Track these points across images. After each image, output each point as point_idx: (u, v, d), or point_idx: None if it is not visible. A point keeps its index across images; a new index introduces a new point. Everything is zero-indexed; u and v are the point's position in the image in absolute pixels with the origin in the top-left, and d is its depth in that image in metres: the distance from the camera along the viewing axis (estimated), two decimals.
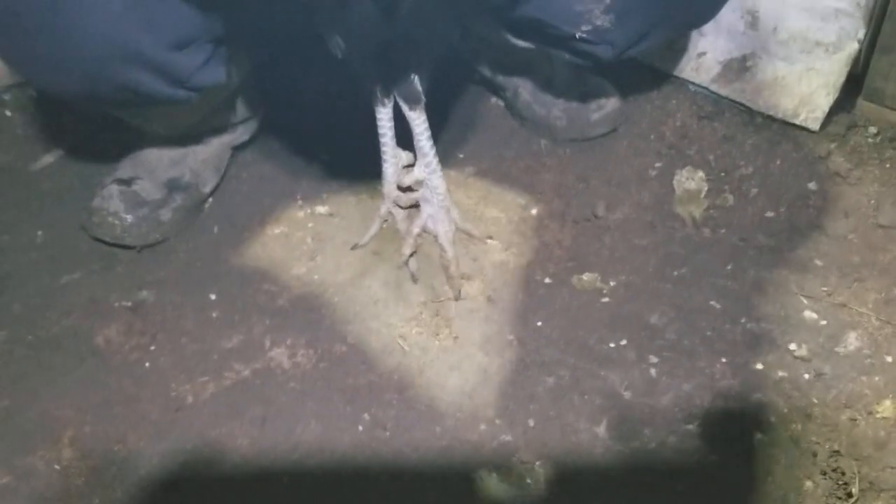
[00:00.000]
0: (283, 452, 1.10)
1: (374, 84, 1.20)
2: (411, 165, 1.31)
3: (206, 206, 1.46)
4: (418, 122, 1.21)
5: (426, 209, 1.30)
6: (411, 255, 1.28)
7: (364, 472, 1.07)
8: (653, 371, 1.18)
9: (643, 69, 1.64)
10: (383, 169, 1.31)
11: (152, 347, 1.23)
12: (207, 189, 1.47)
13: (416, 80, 1.17)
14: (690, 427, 1.11)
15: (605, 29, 1.23)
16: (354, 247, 1.31)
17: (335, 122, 1.57)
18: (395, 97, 1.22)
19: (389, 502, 1.04)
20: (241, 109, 1.48)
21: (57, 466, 1.09)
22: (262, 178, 1.50)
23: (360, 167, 1.46)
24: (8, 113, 1.73)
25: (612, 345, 1.22)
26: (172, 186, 1.42)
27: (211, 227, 1.43)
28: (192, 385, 1.18)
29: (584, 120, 1.53)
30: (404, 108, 1.21)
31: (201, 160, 1.46)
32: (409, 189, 1.32)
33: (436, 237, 1.30)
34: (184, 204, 1.42)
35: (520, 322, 1.25)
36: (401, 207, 1.33)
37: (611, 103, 1.54)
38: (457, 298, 1.22)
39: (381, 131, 1.26)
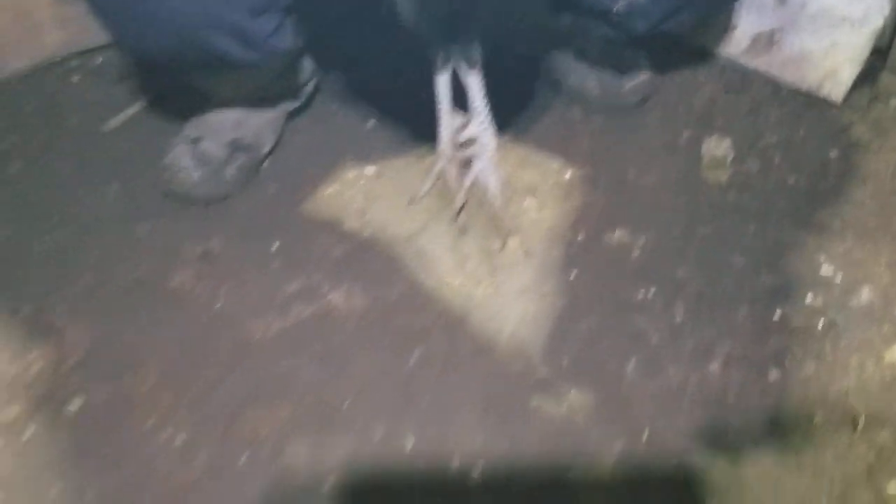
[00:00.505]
0: (341, 385, 1.22)
1: (438, 49, 1.30)
2: (462, 127, 1.41)
3: (264, 165, 1.58)
4: (475, 83, 1.31)
5: (478, 164, 1.40)
6: (461, 208, 1.38)
7: (414, 402, 1.18)
8: (678, 318, 1.29)
9: (674, 42, 1.73)
10: (440, 130, 1.41)
11: (221, 291, 1.35)
12: (265, 150, 1.58)
13: (477, 44, 1.27)
14: (711, 367, 1.21)
15: (641, 3, 1.32)
16: (411, 201, 1.41)
17: (382, 89, 1.68)
18: (454, 61, 1.33)
19: (440, 427, 1.16)
20: (297, 77, 1.59)
21: (140, 390, 1.21)
22: (315, 140, 1.61)
23: (405, 131, 1.57)
24: (75, 79, 1.86)
25: (640, 295, 1.33)
26: (235, 147, 1.53)
27: (269, 185, 1.55)
28: (259, 324, 1.30)
29: (617, 90, 1.63)
30: (463, 70, 1.31)
31: (261, 123, 1.57)
32: (460, 148, 1.43)
33: (485, 190, 1.40)
34: (245, 163, 1.54)
35: (555, 274, 1.36)
36: (453, 165, 1.43)
37: (642, 74, 1.64)
38: (502, 248, 1.33)
39: (439, 95, 1.36)
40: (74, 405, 1.19)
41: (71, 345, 1.27)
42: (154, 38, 1.21)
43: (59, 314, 1.31)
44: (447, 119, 1.40)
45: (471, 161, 1.41)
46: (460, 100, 1.41)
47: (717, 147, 1.59)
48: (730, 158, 1.56)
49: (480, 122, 1.38)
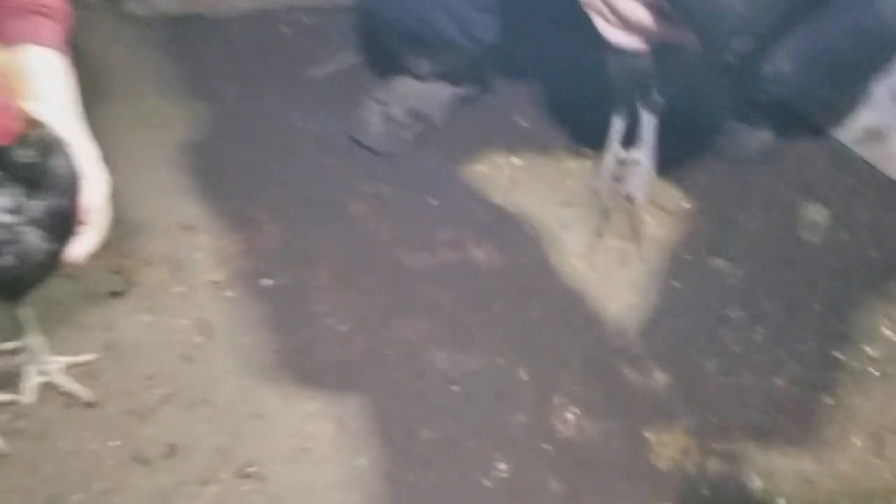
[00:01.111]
0: (473, 318, 1.49)
1: (629, 101, 1.55)
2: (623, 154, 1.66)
3: (434, 136, 1.88)
4: (650, 121, 1.56)
5: (634, 181, 1.64)
6: (606, 212, 1.63)
7: (530, 346, 1.45)
8: (757, 337, 1.54)
9: (796, 116, 1.99)
10: (606, 157, 1.63)
11: (386, 226, 1.65)
12: (437, 123, 1.88)
13: (662, 98, 1.54)
14: (777, 381, 1.46)
15: (786, 72, 1.58)
16: (597, 233, 1.63)
17: (544, 94, 1.96)
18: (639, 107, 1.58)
19: (548, 370, 1.42)
20: (479, 70, 1.88)
21: (316, 283, 1.51)
22: (477, 124, 1.90)
23: (553, 134, 1.85)
24: (284, 29, 2.19)
25: (729, 313, 1.58)
26: (415, 115, 1.83)
27: (434, 151, 1.85)
28: (412, 257, 1.59)
29: (742, 146, 1.90)
30: (645, 112, 1.56)
31: (439, 101, 1.87)
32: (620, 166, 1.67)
33: (633, 202, 1.64)
34: (419, 130, 1.84)
35: (661, 280, 1.62)
36: (609, 181, 1.66)
37: (766, 136, 1.90)
38: (638, 253, 1.58)
39: (614, 129, 1.59)
40: (265, 282, 1.49)
41: (266, 236, 1.58)
42: (393, 7, 1.52)
43: (259, 210, 1.62)
44: (615, 147, 1.63)
45: (624, 177, 1.66)
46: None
47: (816, 213, 1.84)
48: (825, 224, 1.81)
49: (647, 150, 1.62)
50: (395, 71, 1.88)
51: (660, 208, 1.72)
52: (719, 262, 1.69)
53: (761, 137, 1.91)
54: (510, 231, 1.67)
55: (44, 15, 1.15)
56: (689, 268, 1.66)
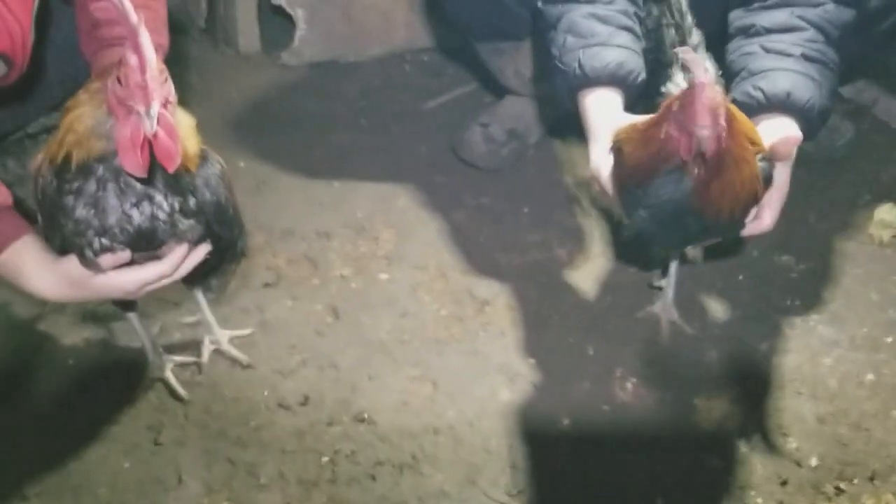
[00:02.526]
0: (554, 305, 1.77)
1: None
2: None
3: (529, 153, 2.17)
4: (674, 269, 1.70)
5: (659, 305, 1.72)
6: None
7: (601, 329, 1.71)
8: (811, 322, 1.71)
9: (880, 124, 2.13)
10: (670, 293, 1.72)
11: (484, 230, 1.96)
12: (531, 141, 2.18)
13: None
14: (827, 360, 1.64)
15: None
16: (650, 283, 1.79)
17: None
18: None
19: (616, 347, 1.67)
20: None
21: (422, 278, 1.83)
22: (568, 143, 2.17)
23: None
24: (407, 68, 2.56)
25: (788, 302, 1.77)
26: (511, 134, 2.14)
27: (529, 167, 2.14)
28: (505, 256, 1.89)
29: (831, 145, 2.07)
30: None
31: (532, 120, 2.17)
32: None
33: (658, 317, 1.72)
34: (516, 147, 2.14)
35: (729, 274, 1.83)
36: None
37: (849, 134, 2.08)
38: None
39: (670, 279, 1.72)
40: (382, 276, 1.83)
41: (384, 241, 1.93)
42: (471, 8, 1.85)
43: (378, 220, 1.97)
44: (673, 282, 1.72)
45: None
46: None
47: (889, 213, 1.97)
48: (894, 223, 1.94)
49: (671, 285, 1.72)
50: (495, 98, 2.20)
51: None
52: (784, 259, 1.87)
53: (845, 135, 2.08)
54: (591, 234, 1.93)
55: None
56: (755, 263, 1.86)
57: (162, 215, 1.21)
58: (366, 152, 2.19)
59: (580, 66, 1.52)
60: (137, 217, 1.19)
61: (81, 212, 1.18)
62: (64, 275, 1.25)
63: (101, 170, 1.16)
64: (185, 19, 2.61)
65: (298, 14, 2.44)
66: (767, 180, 1.40)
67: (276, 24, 2.55)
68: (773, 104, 1.44)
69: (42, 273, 1.26)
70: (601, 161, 1.48)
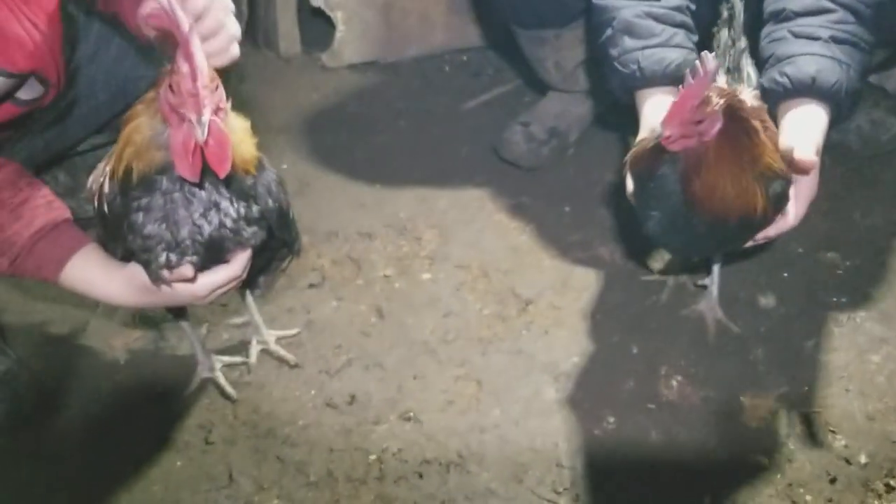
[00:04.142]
0: (597, 303, 1.77)
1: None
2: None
3: (570, 151, 2.17)
4: (717, 268, 1.71)
5: (704, 304, 1.72)
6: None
7: (646, 327, 1.71)
8: (858, 320, 1.70)
9: None
10: (714, 290, 1.72)
11: (527, 228, 1.96)
12: (572, 139, 2.18)
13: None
14: (874, 357, 1.62)
15: None
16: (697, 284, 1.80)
17: None
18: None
19: (660, 345, 1.67)
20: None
21: (465, 277, 1.85)
22: (608, 141, 2.17)
23: None
24: (447, 68, 2.57)
25: (834, 299, 1.75)
26: (552, 133, 2.14)
27: (569, 166, 2.14)
28: (547, 254, 1.89)
29: (876, 140, 2.04)
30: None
31: (573, 118, 2.17)
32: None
33: (703, 315, 1.72)
34: (557, 146, 2.14)
35: (775, 271, 1.81)
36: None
37: (894, 129, 2.04)
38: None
39: (713, 276, 1.71)
40: (425, 276, 1.85)
41: (426, 241, 1.94)
42: None
43: (420, 222, 1.99)
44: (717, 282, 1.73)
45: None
46: None
47: None
48: None
49: (715, 284, 1.72)
50: (536, 96, 2.20)
51: None
52: (831, 255, 1.85)
53: (891, 129, 2.05)
54: (633, 233, 1.93)
55: None
56: (800, 260, 1.84)
57: (229, 222, 1.23)
58: (406, 153, 2.21)
59: (640, 68, 1.52)
60: (207, 227, 1.21)
61: (152, 227, 1.20)
62: (132, 280, 1.28)
63: (164, 182, 1.18)
64: None
65: (337, 16, 2.47)
66: (778, 198, 1.38)
67: (316, 26, 2.58)
68: (799, 89, 1.43)
69: (111, 280, 1.29)
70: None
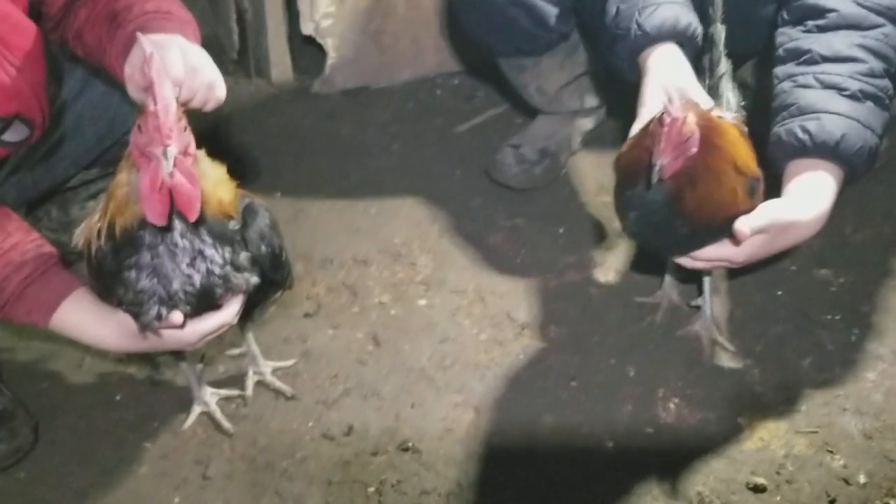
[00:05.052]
0: (592, 326, 1.77)
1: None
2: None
3: (562, 171, 2.18)
4: (708, 287, 1.71)
5: (699, 324, 1.72)
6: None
7: (641, 348, 1.71)
8: (853, 338, 1.70)
9: None
10: (707, 309, 1.71)
11: (521, 251, 1.97)
12: (563, 159, 2.19)
13: None
14: (870, 375, 1.62)
15: None
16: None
17: None
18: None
19: (655, 368, 1.67)
20: (589, 99, 2.17)
21: (461, 302, 1.85)
22: (601, 161, 2.18)
23: None
24: (438, 92, 2.58)
25: (828, 317, 1.75)
26: (543, 153, 2.15)
27: (563, 186, 2.15)
28: (542, 278, 1.90)
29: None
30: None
31: (563, 138, 2.18)
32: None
33: (698, 335, 1.72)
34: (548, 166, 2.15)
35: (768, 289, 1.82)
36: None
37: (883, 144, 2.04)
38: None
39: (706, 296, 1.71)
40: (421, 302, 1.85)
41: (422, 266, 1.95)
42: (478, 18, 1.93)
43: (415, 246, 1.99)
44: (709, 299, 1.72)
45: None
46: None
47: None
48: None
49: (707, 302, 1.72)
50: (525, 120, 2.22)
51: None
52: (823, 273, 1.86)
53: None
54: (626, 254, 1.93)
55: (170, 20, 1.31)
56: (793, 277, 1.85)
57: (216, 269, 1.23)
58: (400, 177, 2.22)
59: (638, 26, 1.51)
60: (197, 276, 1.21)
61: (145, 282, 1.20)
62: (123, 325, 1.28)
63: (147, 236, 1.18)
64: (217, 51, 2.66)
65: (329, 43, 2.48)
66: (752, 192, 1.39)
67: (308, 53, 2.59)
68: (820, 150, 1.40)
69: (102, 325, 1.30)
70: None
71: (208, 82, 1.24)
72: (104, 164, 1.73)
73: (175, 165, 1.08)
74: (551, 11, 1.91)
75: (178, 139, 1.08)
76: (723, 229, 1.38)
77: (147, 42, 1.11)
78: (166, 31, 1.25)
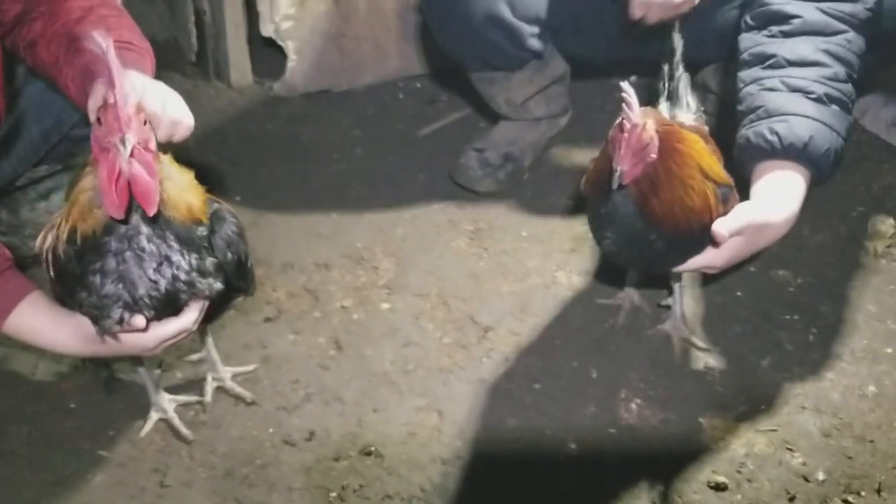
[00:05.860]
0: (552, 330, 1.77)
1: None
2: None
3: (526, 176, 2.19)
4: (677, 287, 1.72)
5: (669, 323, 1.73)
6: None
7: (604, 350, 1.72)
8: (811, 338, 1.73)
9: (869, 135, 2.15)
10: (678, 309, 1.72)
11: (484, 255, 1.97)
12: (526, 164, 2.19)
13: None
14: (829, 374, 1.65)
15: None
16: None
17: None
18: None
19: (619, 369, 1.68)
20: (554, 106, 2.18)
21: (424, 306, 1.84)
22: (563, 164, 2.19)
23: None
24: (401, 96, 2.58)
25: (787, 317, 1.78)
26: (507, 158, 2.15)
27: (525, 190, 2.16)
28: (504, 281, 1.89)
29: None
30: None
31: (526, 143, 2.19)
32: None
33: (670, 336, 1.73)
34: (512, 170, 2.15)
35: (725, 291, 1.84)
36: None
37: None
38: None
39: (676, 296, 1.72)
40: (384, 306, 1.84)
41: (384, 270, 1.93)
42: (453, 32, 1.94)
43: (377, 250, 1.98)
44: (681, 301, 1.73)
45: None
46: None
47: (882, 223, 1.99)
48: (889, 234, 1.96)
49: (679, 304, 1.73)
50: (488, 124, 2.22)
51: None
52: (782, 273, 1.88)
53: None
54: (589, 256, 1.94)
55: (131, 51, 1.34)
56: (753, 278, 1.87)
57: (182, 275, 1.21)
58: (363, 181, 2.20)
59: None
60: (163, 282, 1.19)
61: (110, 287, 1.18)
62: (80, 329, 1.25)
63: (113, 243, 1.16)
64: (175, 54, 2.63)
65: (289, 45, 2.46)
66: (725, 199, 1.40)
67: (268, 55, 2.57)
68: (788, 151, 1.41)
69: (58, 329, 1.27)
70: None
71: (171, 120, 1.26)
72: (52, 160, 1.69)
73: (133, 156, 1.06)
74: (529, 31, 1.93)
75: (137, 130, 1.07)
76: (699, 241, 1.39)
77: (101, 37, 1.08)
78: (126, 64, 1.23)
